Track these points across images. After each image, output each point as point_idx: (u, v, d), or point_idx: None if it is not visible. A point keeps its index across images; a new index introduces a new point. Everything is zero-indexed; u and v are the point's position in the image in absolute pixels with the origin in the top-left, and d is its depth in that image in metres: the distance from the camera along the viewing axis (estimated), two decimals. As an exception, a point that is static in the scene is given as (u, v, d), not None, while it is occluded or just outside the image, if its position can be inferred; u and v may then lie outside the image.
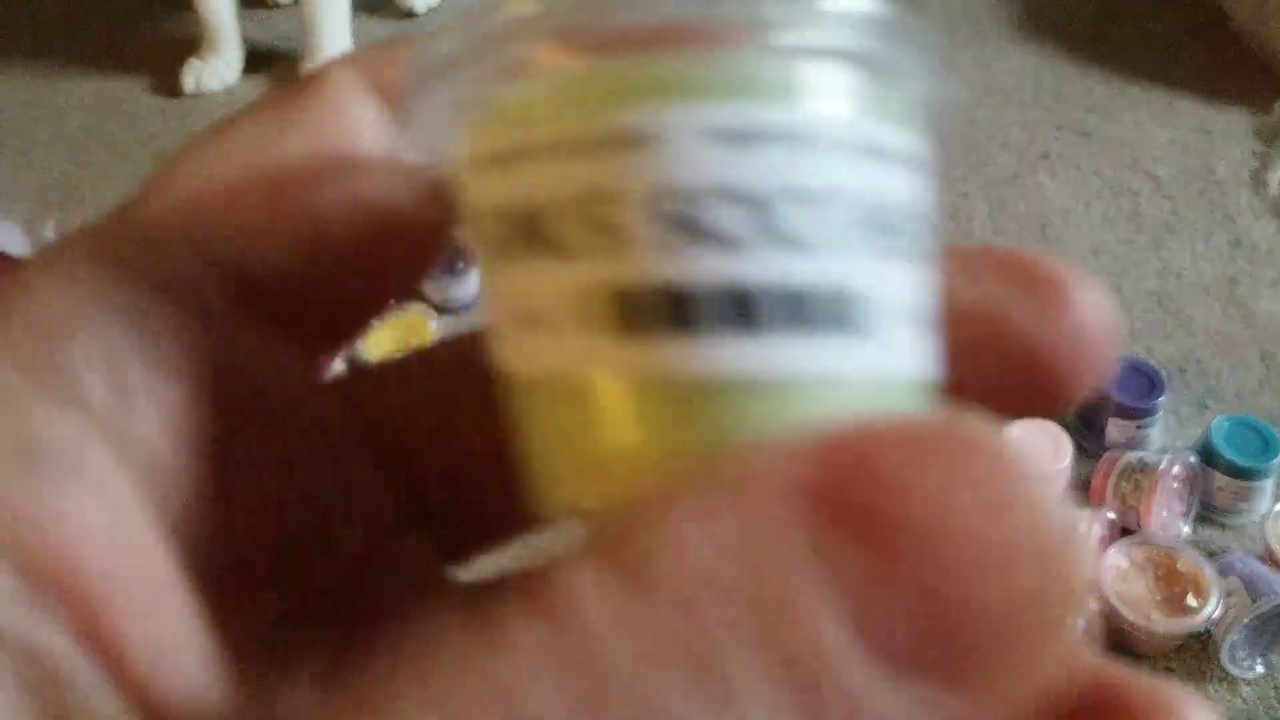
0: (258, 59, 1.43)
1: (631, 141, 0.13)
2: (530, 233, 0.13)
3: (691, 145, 0.13)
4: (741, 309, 0.13)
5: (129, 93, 1.40)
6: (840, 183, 0.13)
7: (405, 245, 0.17)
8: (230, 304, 0.15)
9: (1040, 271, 0.16)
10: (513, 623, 0.10)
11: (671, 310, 0.13)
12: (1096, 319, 0.16)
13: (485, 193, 0.14)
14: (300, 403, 0.17)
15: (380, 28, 1.47)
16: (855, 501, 0.10)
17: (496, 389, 0.15)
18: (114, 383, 0.14)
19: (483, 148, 0.14)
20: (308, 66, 1.36)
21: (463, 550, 0.19)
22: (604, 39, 0.13)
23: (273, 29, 1.45)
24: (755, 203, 0.13)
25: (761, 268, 0.13)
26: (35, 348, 0.13)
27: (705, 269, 0.12)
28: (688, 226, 0.12)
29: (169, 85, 1.40)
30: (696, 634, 0.10)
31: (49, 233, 1.07)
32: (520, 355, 0.14)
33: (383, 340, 1.02)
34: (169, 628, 0.13)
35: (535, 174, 0.13)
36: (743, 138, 0.13)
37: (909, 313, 0.14)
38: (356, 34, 1.41)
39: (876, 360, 0.13)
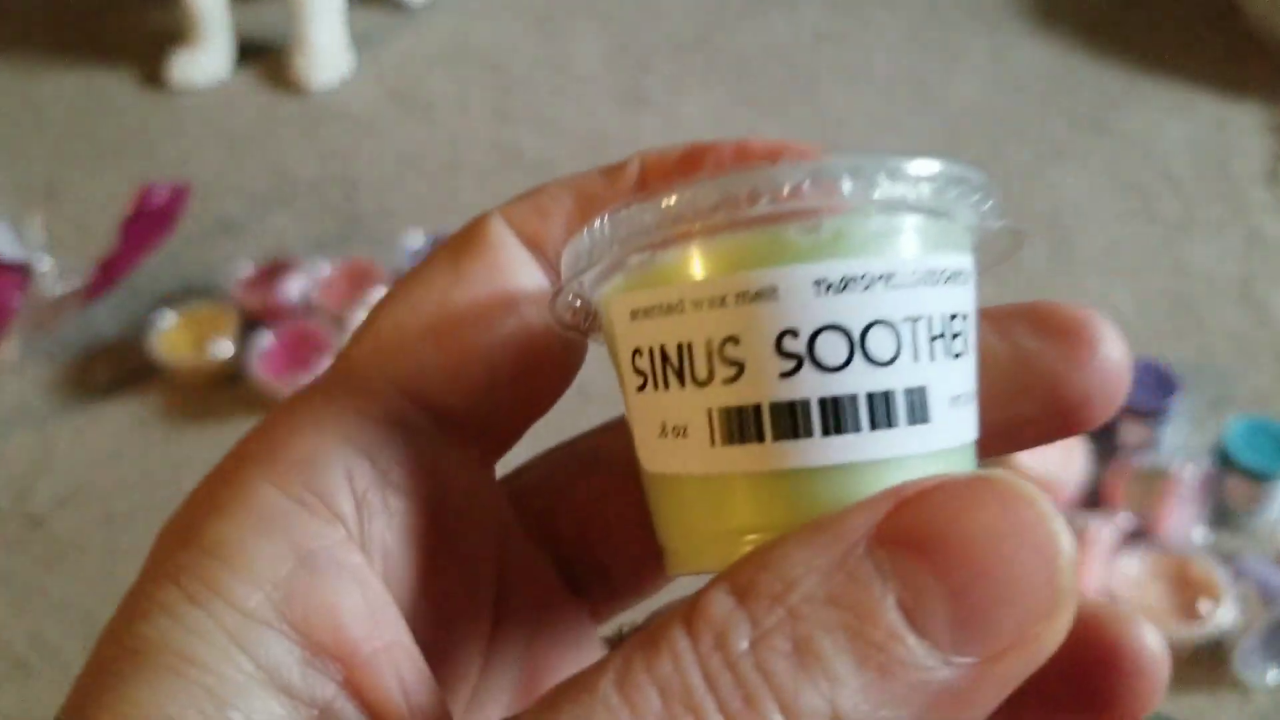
0: (249, 52, 1.40)
1: (755, 295, 0.16)
2: (673, 365, 0.17)
3: (801, 295, 0.16)
4: (839, 416, 0.16)
5: (115, 86, 1.38)
6: (916, 310, 0.17)
7: (555, 367, 0.21)
8: (431, 428, 0.20)
9: (1062, 320, 0.20)
10: (668, 631, 0.15)
11: (785, 421, 0.16)
12: (1116, 356, 0.20)
13: (640, 336, 0.18)
14: (481, 498, 0.21)
15: (375, 19, 1.45)
16: (914, 533, 0.15)
17: (631, 480, 0.20)
18: (357, 501, 0.18)
19: (639, 302, 0.18)
20: (298, 60, 1.33)
21: (604, 609, 0.24)
22: (732, 221, 0.17)
23: (264, 20, 1.42)
24: (851, 334, 0.16)
25: (856, 383, 0.16)
26: (299, 480, 0.18)
27: (813, 388, 0.16)
28: (799, 356, 0.16)
29: (157, 78, 1.37)
30: (799, 627, 0.14)
31: (37, 231, 1.05)
32: (662, 459, 0.18)
33: (181, 336, 1.01)
34: (416, 685, 0.18)
35: (681, 322, 0.17)
36: (840, 285, 0.16)
37: (963, 395, 0.17)
38: (350, 25, 1.39)
39: (939, 438, 0.17)
